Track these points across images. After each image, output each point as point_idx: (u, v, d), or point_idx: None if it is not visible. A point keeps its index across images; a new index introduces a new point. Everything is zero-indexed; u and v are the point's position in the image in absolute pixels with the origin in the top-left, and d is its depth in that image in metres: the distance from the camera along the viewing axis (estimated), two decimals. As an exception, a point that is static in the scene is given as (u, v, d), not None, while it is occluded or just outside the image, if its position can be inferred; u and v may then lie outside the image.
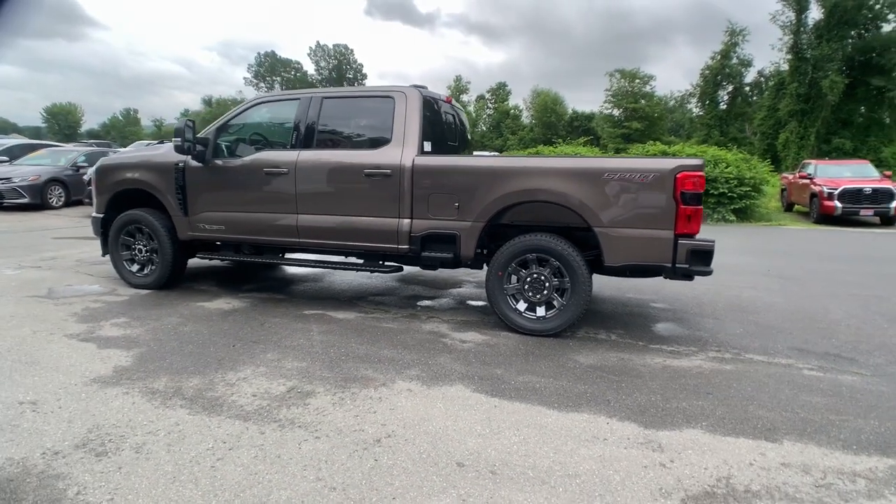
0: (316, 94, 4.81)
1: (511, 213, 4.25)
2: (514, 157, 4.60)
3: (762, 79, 45.75)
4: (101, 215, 5.54)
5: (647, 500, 2.20)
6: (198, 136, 4.93)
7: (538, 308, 4.24)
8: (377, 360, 3.66)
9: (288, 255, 5.25)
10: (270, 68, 77.33)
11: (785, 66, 40.68)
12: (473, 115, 63.96)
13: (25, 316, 4.45)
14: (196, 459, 2.40)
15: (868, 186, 12.84)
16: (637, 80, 53.13)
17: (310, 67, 77.46)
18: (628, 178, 3.89)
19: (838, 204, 12.91)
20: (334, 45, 77.34)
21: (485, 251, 4.57)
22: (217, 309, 4.82)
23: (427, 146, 4.58)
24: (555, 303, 4.19)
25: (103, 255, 5.76)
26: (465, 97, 64.38)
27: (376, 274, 6.28)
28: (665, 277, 4.25)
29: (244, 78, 77.69)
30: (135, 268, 5.49)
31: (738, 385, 3.39)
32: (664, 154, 16.98)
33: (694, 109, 52.44)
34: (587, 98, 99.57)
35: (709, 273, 3.90)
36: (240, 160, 4.91)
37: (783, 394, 3.26)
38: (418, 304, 5.22)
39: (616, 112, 54.86)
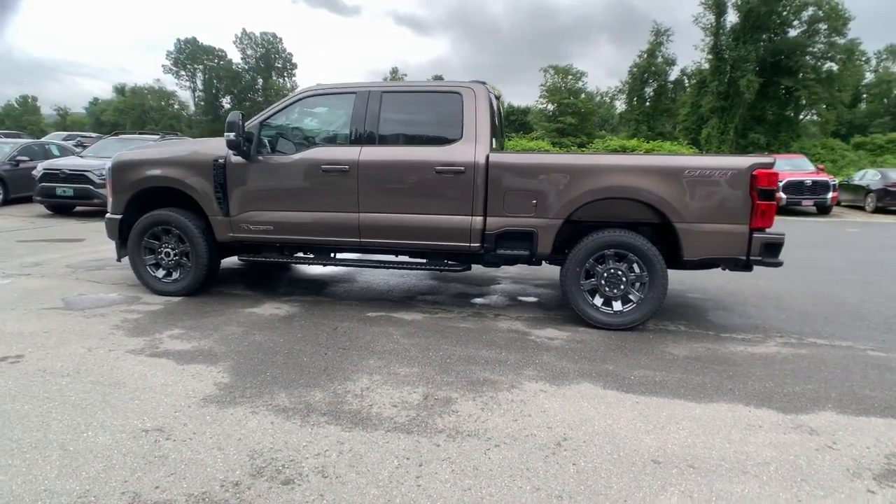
0: (374, 88, 4.61)
1: (584, 210, 4.29)
2: (593, 155, 4.63)
3: (685, 77, 48.63)
4: (119, 216, 5.03)
5: (844, 480, 2.33)
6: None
7: (614, 303, 4.33)
8: (484, 362, 3.60)
9: (339, 256, 5.00)
10: (192, 55, 72.70)
11: (706, 66, 43.48)
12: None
13: (63, 331, 3.97)
14: (394, 479, 2.26)
15: (809, 179, 14.10)
16: (570, 77, 54.95)
17: (235, 55, 73.67)
18: (708, 175, 4.05)
19: (783, 195, 14.07)
20: (262, 34, 73.96)
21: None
22: (272, 315, 4.53)
23: (493, 142, 4.53)
24: (631, 297, 4.29)
25: (119, 259, 5.24)
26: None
27: (407, 272, 6.16)
28: (724, 269, 4.46)
29: (163, 65, 72.62)
30: (160, 273, 5.03)
31: (826, 368, 3.63)
32: (623, 149, 17.83)
33: (621, 105, 54.99)
34: (517, 93, 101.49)
35: (779, 264, 4.15)
36: (292, 156, 4.62)
37: (871, 374, 3.54)
38: (472, 301, 5.17)
39: (550, 107, 56.55)
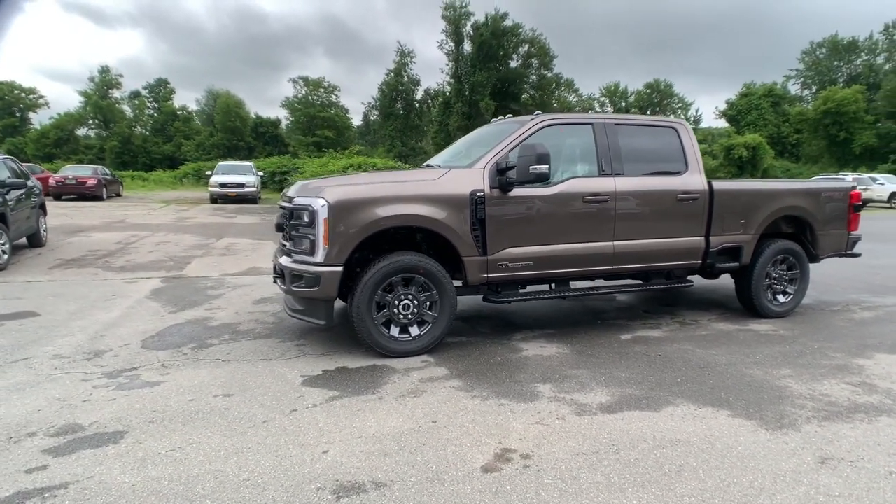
0: (608, 120, 4.84)
1: (768, 226, 5.41)
2: (778, 182, 5.76)
3: (429, 98, 53.90)
4: (341, 268, 3.99)
5: None
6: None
7: (779, 296, 5.59)
8: (795, 355, 4.38)
9: (574, 285, 4.97)
10: None
11: (448, 88, 49.30)
12: (132, 115, 54.45)
13: (446, 417, 3.18)
14: None
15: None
16: (322, 90, 55.13)
17: None
18: (833, 195, 5.65)
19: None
20: None
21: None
22: (557, 353, 4.36)
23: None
24: (789, 290, 5.61)
25: (328, 324, 4.14)
26: (116, 93, 54.02)
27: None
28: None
29: None
30: (395, 331, 4.19)
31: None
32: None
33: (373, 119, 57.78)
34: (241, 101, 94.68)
35: (859, 255, 6.02)
36: (554, 187, 4.49)
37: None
38: (645, 312, 5.77)
39: (297, 119, 55.74)
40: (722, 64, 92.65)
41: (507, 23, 46.48)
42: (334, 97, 54.82)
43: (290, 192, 4.37)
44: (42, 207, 9.62)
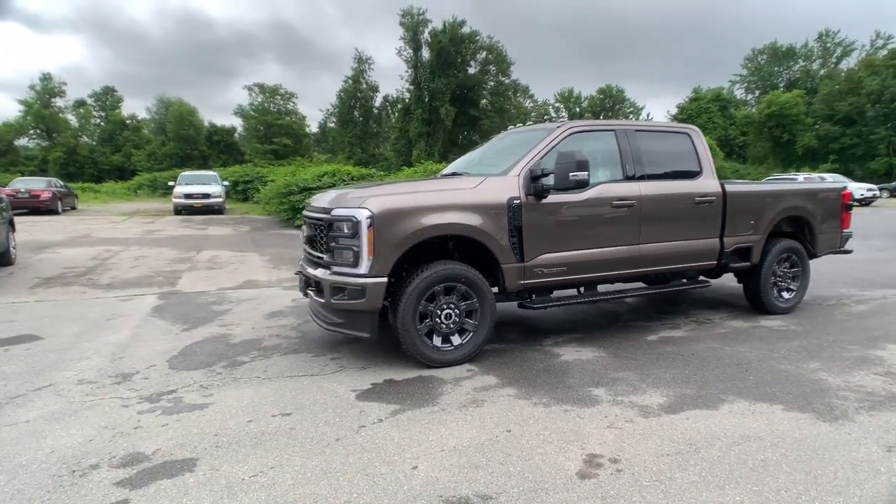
0: (628, 127, 4.98)
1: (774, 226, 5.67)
2: (783, 184, 6.01)
3: (388, 105, 53.72)
4: (386, 279, 3.93)
5: None
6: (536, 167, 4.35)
7: (784, 293, 5.86)
8: (816, 348, 4.61)
9: (600, 288, 5.06)
10: None
11: (408, 95, 49.34)
12: (77, 125, 51.94)
13: (517, 425, 3.18)
14: None
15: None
16: (278, 97, 54.07)
17: None
18: (828, 196, 5.98)
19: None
20: None
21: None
22: (593, 357, 4.42)
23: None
24: (792, 287, 5.89)
25: (372, 335, 4.06)
26: (59, 101, 51.39)
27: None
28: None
29: None
30: (437, 341, 4.16)
31: (905, 309, 5.97)
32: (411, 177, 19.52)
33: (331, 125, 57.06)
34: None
35: (850, 252, 6.38)
36: (584, 193, 4.56)
37: (923, 307, 6.02)
38: (660, 313, 5.92)
39: (252, 127, 54.46)
40: (670, 69, 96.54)
41: (465, 30, 46.96)
42: (291, 104, 53.76)
43: (324, 203, 4.26)
44: (11, 223, 9.03)
